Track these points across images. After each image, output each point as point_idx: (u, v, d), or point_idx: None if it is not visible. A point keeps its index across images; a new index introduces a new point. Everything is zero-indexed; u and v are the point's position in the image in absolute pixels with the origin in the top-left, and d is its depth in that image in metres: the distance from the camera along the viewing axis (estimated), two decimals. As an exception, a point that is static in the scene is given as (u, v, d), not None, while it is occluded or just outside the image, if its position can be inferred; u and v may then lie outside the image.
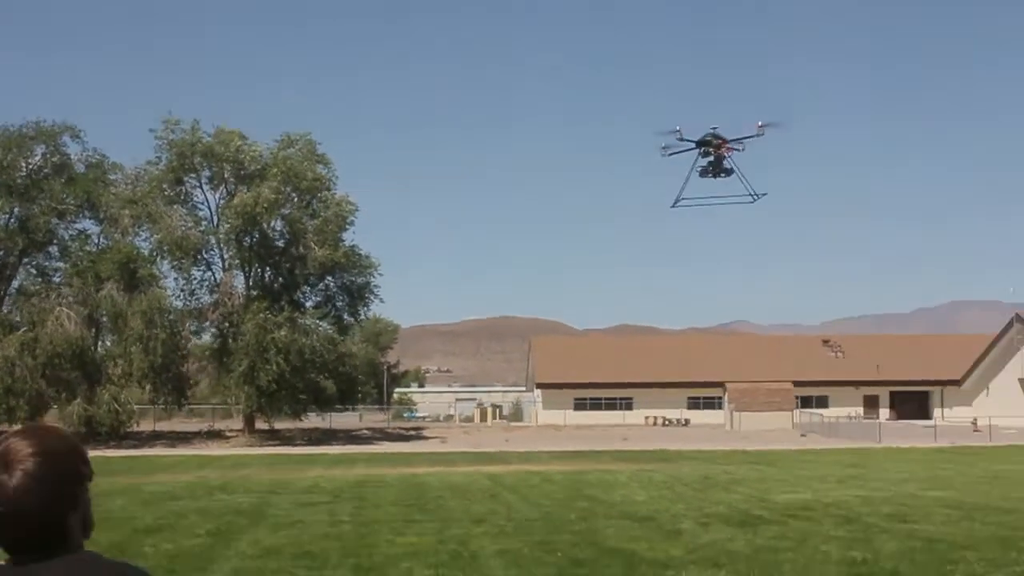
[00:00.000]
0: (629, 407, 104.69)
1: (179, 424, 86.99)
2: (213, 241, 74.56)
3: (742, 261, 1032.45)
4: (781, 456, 50.45)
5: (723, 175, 59.27)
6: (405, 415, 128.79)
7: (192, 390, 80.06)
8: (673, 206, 62.00)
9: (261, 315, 68.65)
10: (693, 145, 58.89)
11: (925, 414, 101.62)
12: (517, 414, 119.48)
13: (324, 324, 74.09)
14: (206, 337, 76.87)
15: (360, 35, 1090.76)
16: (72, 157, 76.01)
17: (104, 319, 72.53)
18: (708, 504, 25.77)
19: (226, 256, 74.93)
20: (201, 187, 75.68)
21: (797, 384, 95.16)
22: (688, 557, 17.13)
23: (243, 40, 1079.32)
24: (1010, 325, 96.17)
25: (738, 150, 58.61)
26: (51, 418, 74.53)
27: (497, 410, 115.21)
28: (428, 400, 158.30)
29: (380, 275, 76.83)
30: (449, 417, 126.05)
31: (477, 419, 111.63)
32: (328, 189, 74.85)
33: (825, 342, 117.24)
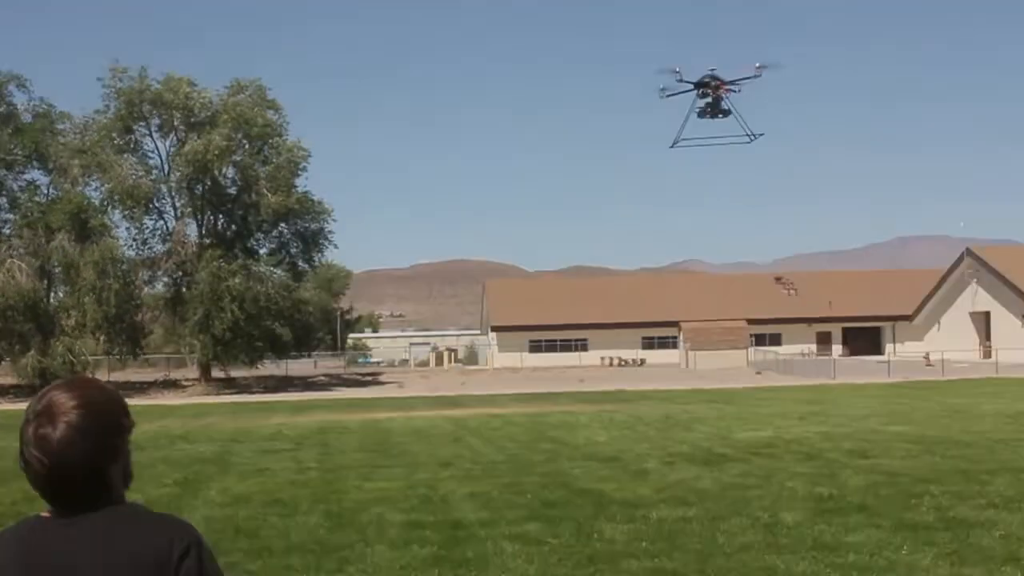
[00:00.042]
0: (584, 348, 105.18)
1: (133, 374, 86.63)
2: (164, 190, 74.18)
3: (693, 200, 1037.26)
4: (738, 394, 50.82)
5: (721, 116, 59.75)
6: (360, 361, 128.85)
7: (146, 340, 79.73)
8: (672, 146, 63.06)
9: (215, 263, 68.38)
10: (691, 87, 59.14)
11: (877, 350, 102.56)
12: (472, 358, 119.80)
13: (278, 271, 73.95)
14: (159, 286, 76.58)
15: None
16: (19, 107, 75.15)
17: (56, 270, 72.03)
18: (671, 443, 25.91)
19: (178, 204, 74.62)
20: (151, 135, 75.20)
21: (751, 322, 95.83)
22: (657, 496, 17.22)
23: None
24: (960, 259, 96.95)
25: (735, 91, 58.94)
26: (4, 371, 74.24)
27: (452, 354, 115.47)
28: (383, 345, 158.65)
29: (334, 221, 76.81)
30: (404, 362, 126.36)
31: (433, 363, 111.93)
32: (279, 135, 74.41)
33: (778, 279, 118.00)
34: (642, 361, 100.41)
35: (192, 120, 72.29)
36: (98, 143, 71.58)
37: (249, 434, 32.67)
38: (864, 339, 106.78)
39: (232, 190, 73.98)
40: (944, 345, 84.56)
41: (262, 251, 76.19)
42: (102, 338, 72.17)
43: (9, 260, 68.67)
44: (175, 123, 73.25)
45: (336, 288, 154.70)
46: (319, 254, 77.80)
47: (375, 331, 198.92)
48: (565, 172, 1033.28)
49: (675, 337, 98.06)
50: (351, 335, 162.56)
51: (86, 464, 2.93)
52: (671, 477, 19.62)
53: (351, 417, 40.00)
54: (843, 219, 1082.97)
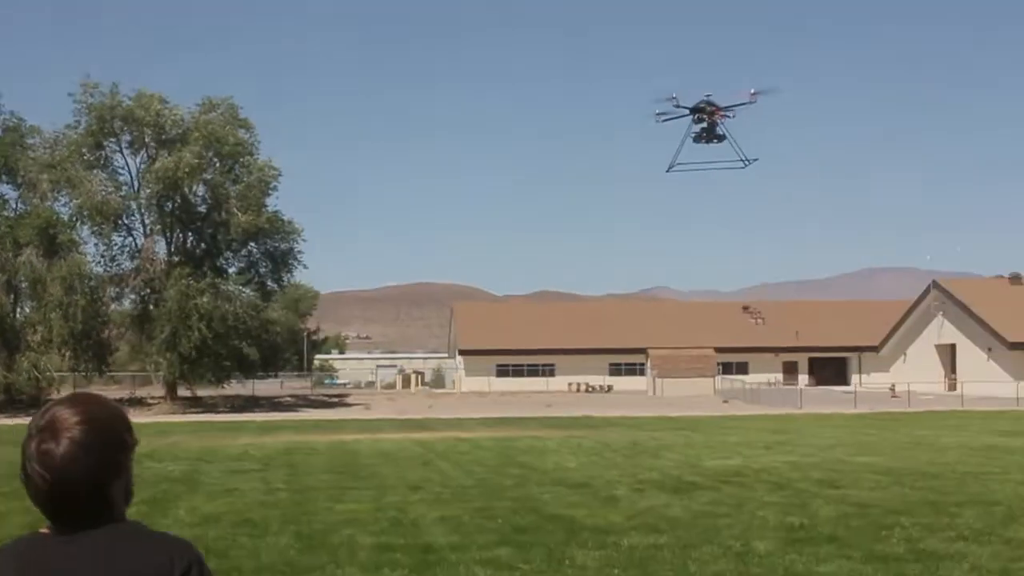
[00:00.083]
0: (552, 373, 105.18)
1: (98, 391, 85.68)
2: (134, 206, 73.66)
3: (662, 228, 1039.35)
4: (706, 422, 50.90)
5: (716, 141, 60.69)
6: (326, 382, 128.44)
7: (112, 357, 79.20)
8: (668, 171, 63.58)
9: (183, 281, 68.03)
10: (687, 112, 59.86)
11: (843, 380, 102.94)
12: (439, 381, 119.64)
13: (247, 290, 73.60)
14: (126, 303, 76.08)
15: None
16: (-11, 120, 74.72)
17: (23, 285, 71.53)
18: (640, 470, 25.93)
19: (147, 221, 74.20)
20: (121, 151, 74.77)
21: (718, 350, 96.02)
22: (628, 523, 17.23)
23: (164, 4, 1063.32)
24: (927, 292, 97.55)
25: (729, 117, 59.70)
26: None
27: (419, 377, 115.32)
28: (349, 367, 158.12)
29: (304, 241, 76.46)
30: (370, 384, 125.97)
31: (399, 386, 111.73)
32: (251, 154, 74.09)
33: (745, 308, 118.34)
34: (609, 387, 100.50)
35: (163, 137, 71.97)
36: (68, 158, 71.14)
37: (216, 454, 32.53)
38: (830, 369, 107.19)
39: (202, 208, 73.68)
40: (910, 377, 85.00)
41: (231, 270, 75.75)
42: (68, 354, 71.64)
43: (-25, 274, 68.16)
44: (146, 140, 72.90)
45: (303, 309, 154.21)
46: (288, 274, 77.62)
47: (341, 352, 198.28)
48: (533, 196, 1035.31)
49: (642, 364, 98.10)
50: (317, 356, 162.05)
51: (89, 480, 2.90)
52: (641, 504, 19.64)
53: (319, 438, 39.87)
54: (810, 249, 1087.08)
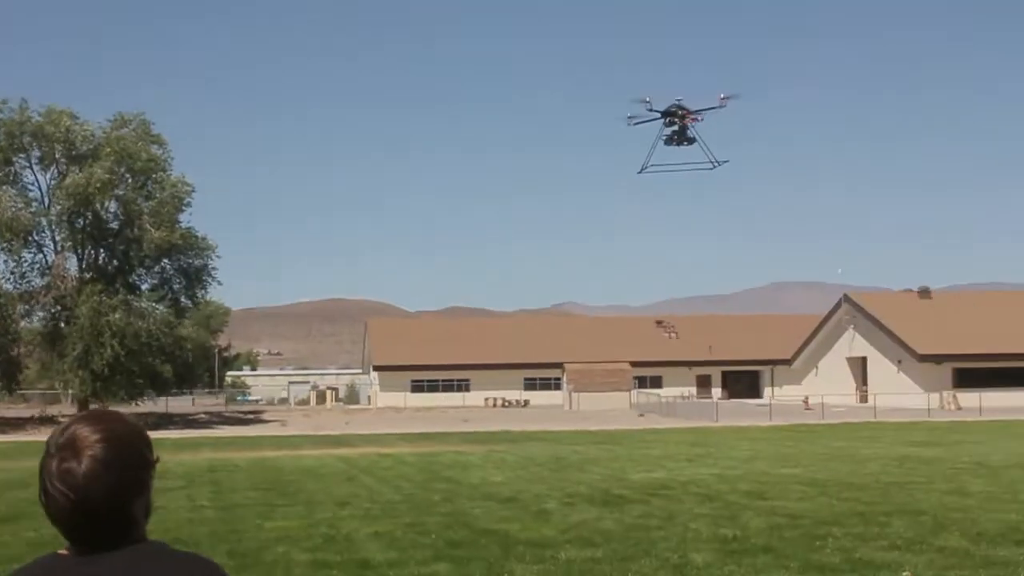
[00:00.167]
0: (467, 389, 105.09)
1: (6, 410, 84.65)
2: (44, 222, 72.68)
3: (568, 243, 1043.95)
4: (625, 436, 51.06)
5: (686, 143, 62.48)
6: (239, 399, 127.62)
7: (21, 375, 78.05)
8: (640, 172, 65.04)
9: (95, 298, 67.23)
10: (659, 115, 61.00)
11: (756, 393, 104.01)
12: (353, 397, 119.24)
13: (160, 307, 72.88)
14: (36, 321, 74.98)
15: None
16: None
17: (-70, 302, 70.25)
18: (568, 484, 25.95)
19: (58, 238, 73.19)
20: (31, 167, 73.80)
21: (632, 364, 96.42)
22: (562, 537, 17.22)
23: (76, 19, 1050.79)
24: (838, 306, 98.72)
25: (699, 120, 61.01)
26: None
27: (334, 393, 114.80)
28: (261, 383, 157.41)
29: (218, 257, 75.87)
30: (283, 400, 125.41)
31: (313, 402, 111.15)
32: (163, 170, 73.46)
33: (659, 323, 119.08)
34: (526, 402, 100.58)
35: (74, 153, 71.14)
36: (-24, 175, 70.11)
37: (136, 472, 32.06)
38: (743, 382, 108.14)
39: (114, 224, 72.85)
40: (822, 389, 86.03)
41: (144, 287, 75.10)
42: (-25, 373, 70.48)
43: None
44: (56, 156, 71.97)
45: (214, 325, 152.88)
46: (202, 290, 76.91)
47: (253, 369, 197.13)
48: (444, 213, 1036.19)
49: (557, 378, 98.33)
50: (229, 373, 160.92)
51: (111, 499, 2.80)
52: (573, 518, 19.64)
53: (239, 455, 39.53)
54: (718, 264, 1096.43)
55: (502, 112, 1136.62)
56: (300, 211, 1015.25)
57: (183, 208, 73.40)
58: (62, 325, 70.79)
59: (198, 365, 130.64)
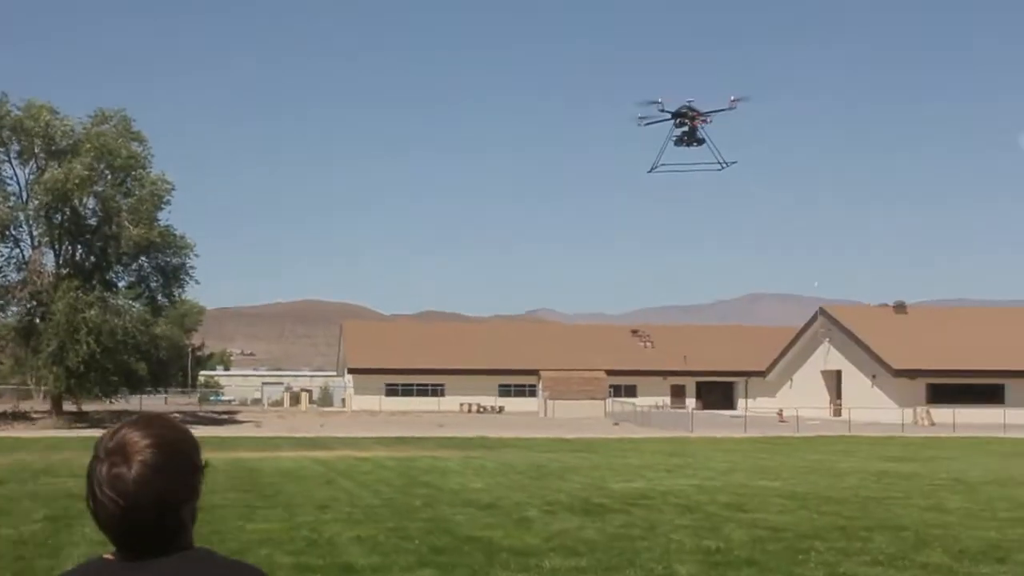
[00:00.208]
0: (441, 393, 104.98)
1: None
2: (22, 217, 72.33)
3: (544, 250, 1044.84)
4: (601, 444, 51.14)
5: (695, 144, 63.62)
6: (212, 399, 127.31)
7: (-5, 370, 77.86)
8: (650, 171, 66.42)
9: (72, 294, 66.96)
10: (669, 116, 62.08)
11: (730, 404, 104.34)
12: (327, 399, 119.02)
13: (137, 305, 72.62)
14: (11, 316, 74.64)
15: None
16: None
17: (-94, 296, 69.92)
18: (548, 492, 25.95)
19: (35, 233, 72.80)
20: (10, 161, 73.23)
21: (607, 373, 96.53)
22: (546, 545, 17.21)
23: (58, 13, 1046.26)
24: (813, 319, 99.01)
25: (708, 122, 62.28)
26: None
27: (308, 394, 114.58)
28: (234, 384, 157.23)
29: (196, 256, 75.60)
30: (256, 401, 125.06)
31: (287, 403, 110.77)
32: (143, 167, 73.17)
33: (634, 332, 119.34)
34: (501, 408, 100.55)
35: (53, 148, 70.79)
36: (-46, 168, 69.79)
37: (112, 470, 31.94)
38: (717, 393, 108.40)
39: (92, 221, 72.50)
40: (796, 402, 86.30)
41: (121, 284, 74.79)
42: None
43: None
44: (35, 150, 71.60)
45: (188, 324, 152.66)
46: (179, 289, 76.60)
47: (226, 369, 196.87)
48: (419, 216, 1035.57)
49: (532, 385, 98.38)
50: (202, 372, 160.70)
51: (161, 504, 2.78)
52: (555, 526, 19.63)
53: (215, 455, 39.09)
54: (694, 274, 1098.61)
55: (479, 115, 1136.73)
56: (276, 212, 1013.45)
57: (162, 206, 73.19)
58: (37, 321, 70.49)
59: (171, 364, 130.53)
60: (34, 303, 70.99)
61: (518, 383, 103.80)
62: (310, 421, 77.16)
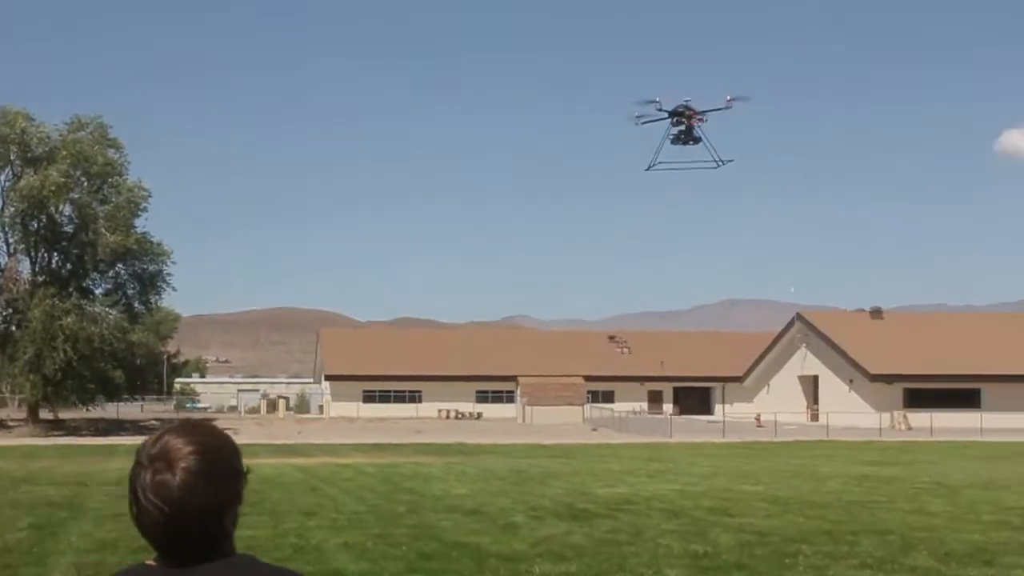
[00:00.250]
0: (419, 400, 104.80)
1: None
2: (-2, 224, 72.10)
3: (521, 256, 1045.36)
4: (581, 450, 51.20)
5: (692, 143, 64.68)
6: (188, 406, 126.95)
7: (-30, 378, 77.37)
8: (648, 169, 67.51)
9: (48, 301, 66.73)
10: (667, 115, 63.74)
11: (707, 409, 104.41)
12: (304, 406, 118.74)
13: (114, 312, 72.36)
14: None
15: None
16: None
17: None
18: (531, 497, 25.96)
19: (11, 240, 72.59)
20: (-15, 168, 73.06)
21: (585, 379, 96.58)
22: (533, 551, 17.22)
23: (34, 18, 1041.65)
24: (791, 324, 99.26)
25: (704, 121, 63.37)
26: None
27: (285, 401, 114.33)
28: (210, 391, 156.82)
29: (173, 263, 75.40)
30: (232, 408, 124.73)
31: (264, 410, 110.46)
32: (120, 174, 72.96)
33: (611, 338, 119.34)
34: (479, 414, 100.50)
35: (29, 155, 70.54)
36: (-71, 174, 69.47)
37: (93, 477, 31.90)
38: (694, 399, 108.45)
39: (69, 228, 72.26)
40: (773, 407, 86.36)
41: (98, 291, 74.56)
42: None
43: None
44: (11, 157, 71.26)
45: (164, 331, 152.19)
46: (156, 296, 76.46)
47: (202, 376, 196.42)
48: (393, 222, 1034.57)
49: (510, 391, 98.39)
50: (177, 380, 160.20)
51: (205, 510, 2.76)
52: (541, 532, 19.63)
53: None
54: (671, 280, 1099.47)
55: (454, 121, 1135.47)
56: (251, 219, 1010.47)
57: (139, 213, 72.98)
58: (13, 329, 70.23)
59: (148, 371, 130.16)
60: (10, 311, 70.74)
61: (495, 389, 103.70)
62: (288, 428, 77.06)
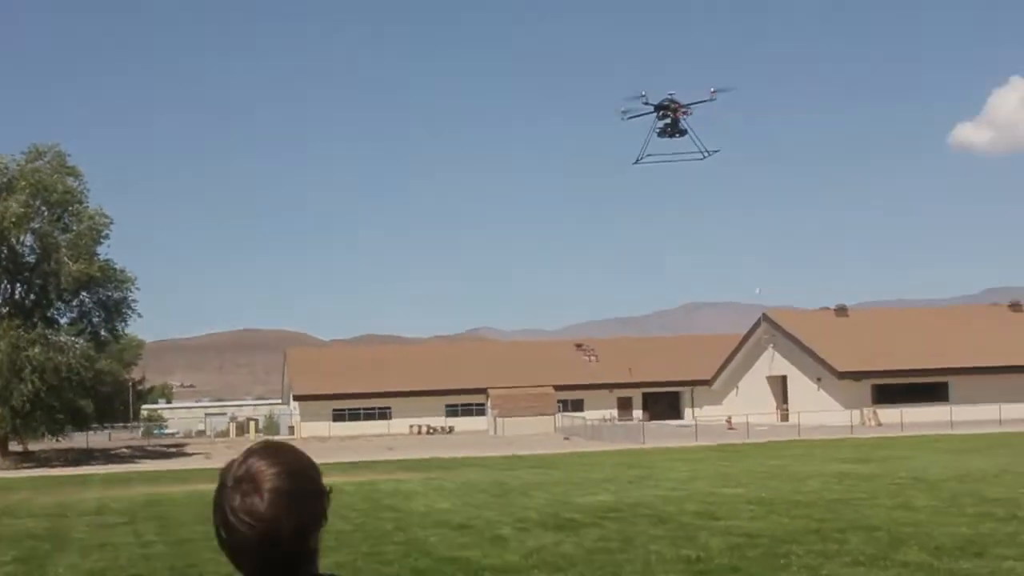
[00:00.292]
0: (389, 416, 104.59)
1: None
2: (-42, 258, 71.56)
3: (480, 268, 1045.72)
4: (556, 460, 51.20)
5: (678, 135, 65.71)
6: (156, 432, 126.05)
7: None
8: (635, 163, 68.67)
9: (13, 332, 66.29)
10: (652, 109, 64.64)
11: (677, 414, 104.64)
12: (273, 427, 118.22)
13: (80, 341, 71.93)
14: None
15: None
16: None
17: None
18: (515, 509, 25.95)
19: (-27, 273, 72.04)
20: (-57, 201, 72.50)
21: (554, 388, 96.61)
22: (526, 562, 17.22)
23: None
24: (757, 325, 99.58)
25: (688, 114, 64.15)
26: None
27: (254, 423, 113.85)
28: (177, 416, 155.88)
29: (137, 290, 75.06)
30: (201, 432, 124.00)
31: (233, 433, 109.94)
32: (80, 202, 72.50)
33: (578, 346, 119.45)
34: (451, 428, 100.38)
35: (-14, 186, 70.08)
36: None
37: (72, 508, 31.68)
38: (663, 403, 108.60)
39: (31, 258, 71.79)
40: (742, 409, 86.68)
41: (63, 320, 74.19)
42: None
43: None
44: (-30, 189, 70.83)
45: (128, 358, 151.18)
46: (122, 323, 76.02)
47: (168, 402, 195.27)
48: (350, 240, 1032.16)
49: (480, 404, 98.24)
50: (144, 406, 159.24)
51: (294, 531, 2.77)
52: (531, 543, 19.63)
53: (174, 489, 39.09)
54: (629, 285, 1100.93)
55: (406, 138, 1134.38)
56: (209, 243, 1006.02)
57: (101, 240, 72.53)
58: (-22, 361, 69.66)
59: (115, 399, 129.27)
60: (-26, 343, 70.13)
61: (465, 402, 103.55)
62: (260, 450, 76.65)
